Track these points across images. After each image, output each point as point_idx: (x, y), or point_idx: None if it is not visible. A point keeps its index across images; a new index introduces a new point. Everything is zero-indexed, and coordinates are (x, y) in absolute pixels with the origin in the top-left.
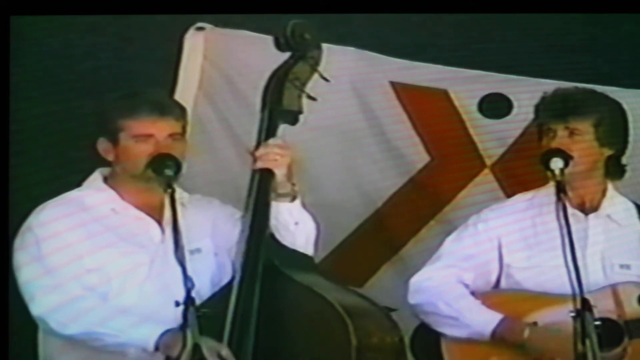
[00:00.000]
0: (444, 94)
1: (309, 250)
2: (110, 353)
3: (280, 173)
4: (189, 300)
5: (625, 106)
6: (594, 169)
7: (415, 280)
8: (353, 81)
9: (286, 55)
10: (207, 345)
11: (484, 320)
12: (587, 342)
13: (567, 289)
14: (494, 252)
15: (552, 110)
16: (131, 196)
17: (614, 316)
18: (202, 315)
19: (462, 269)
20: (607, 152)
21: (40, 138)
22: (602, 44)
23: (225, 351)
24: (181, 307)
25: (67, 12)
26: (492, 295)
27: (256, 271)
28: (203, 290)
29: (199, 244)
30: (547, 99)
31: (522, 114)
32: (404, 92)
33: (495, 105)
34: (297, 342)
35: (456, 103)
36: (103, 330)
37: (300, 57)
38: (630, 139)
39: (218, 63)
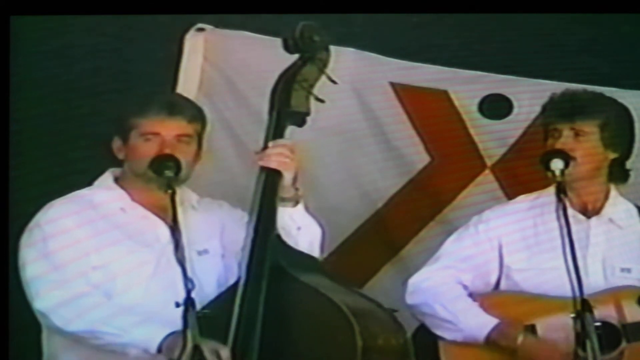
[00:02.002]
0: (444, 94)
1: (313, 254)
2: (112, 352)
3: (288, 176)
4: (189, 301)
5: (632, 111)
6: (598, 171)
7: (413, 280)
8: (353, 82)
9: (285, 56)
10: (207, 346)
11: (479, 324)
12: (588, 343)
13: (566, 291)
14: (494, 253)
15: (559, 110)
16: (140, 196)
17: (613, 319)
18: (202, 317)
19: (461, 270)
20: (612, 154)
21: (40, 138)
22: (602, 45)
23: (225, 352)
24: (181, 308)
25: (67, 12)
26: (491, 296)
27: (262, 271)
28: (209, 291)
29: (207, 245)
30: (555, 99)
31: (523, 114)
32: (404, 92)
33: (496, 106)
34: (303, 343)
35: (456, 103)
36: (106, 329)
37: (309, 59)
38: (636, 142)
39: (218, 64)
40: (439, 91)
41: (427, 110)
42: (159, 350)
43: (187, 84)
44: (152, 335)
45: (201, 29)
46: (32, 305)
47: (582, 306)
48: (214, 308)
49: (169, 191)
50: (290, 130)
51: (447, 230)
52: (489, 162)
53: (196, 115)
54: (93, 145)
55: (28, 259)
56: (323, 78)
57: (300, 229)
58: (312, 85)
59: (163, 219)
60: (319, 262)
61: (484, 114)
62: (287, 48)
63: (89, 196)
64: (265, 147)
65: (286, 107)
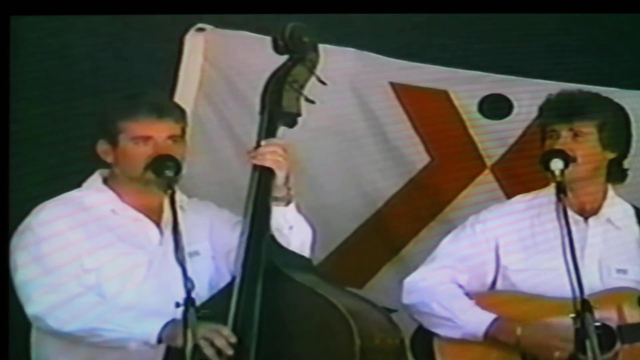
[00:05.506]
0: (444, 94)
1: (304, 254)
2: (110, 350)
3: (280, 175)
4: (189, 301)
5: (628, 110)
6: (596, 172)
7: (409, 280)
8: (353, 82)
9: (285, 57)
10: (208, 328)
11: (477, 320)
12: (587, 343)
13: (563, 292)
14: (491, 253)
15: (557, 111)
16: (130, 197)
17: (612, 321)
18: (202, 317)
19: (458, 270)
20: (610, 155)
21: (40, 138)
22: (602, 45)
23: (225, 331)
24: (181, 308)
25: (67, 12)
26: (488, 296)
27: (257, 272)
28: (201, 293)
29: (197, 247)
30: (552, 100)
31: (523, 114)
32: (404, 92)
33: (496, 106)
34: (300, 344)
35: (456, 103)
36: (104, 325)
37: (299, 59)
38: (633, 142)
39: (218, 64)
40: (439, 91)
41: (427, 110)
42: (159, 340)
43: (187, 84)
44: (152, 328)
45: (201, 29)
46: (25, 309)
47: (582, 306)
48: (211, 308)
49: (169, 191)
50: (282, 130)
51: (447, 230)
52: (488, 162)
53: (180, 114)
54: (93, 146)
55: (19, 262)
56: (313, 79)
57: (292, 229)
58: (302, 86)
59: (154, 220)
60: (312, 263)
61: (484, 114)
62: (277, 49)
63: (80, 198)
64: (258, 146)
65: (277, 108)
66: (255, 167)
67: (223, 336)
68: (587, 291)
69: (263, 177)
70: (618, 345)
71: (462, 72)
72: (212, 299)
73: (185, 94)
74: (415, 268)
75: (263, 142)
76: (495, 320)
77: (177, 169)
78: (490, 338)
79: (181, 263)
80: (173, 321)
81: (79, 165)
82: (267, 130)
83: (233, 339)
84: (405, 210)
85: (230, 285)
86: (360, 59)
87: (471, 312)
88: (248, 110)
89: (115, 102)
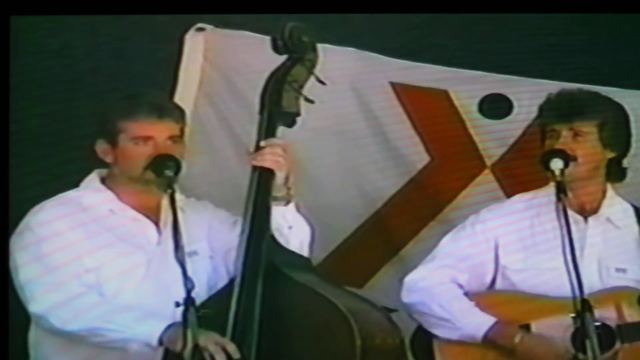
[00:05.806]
0: (444, 94)
1: (303, 254)
2: (110, 350)
3: (280, 175)
4: (189, 300)
5: (627, 109)
6: (596, 171)
7: (409, 279)
8: (353, 81)
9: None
10: (213, 339)
11: (476, 323)
12: (587, 343)
13: (563, 292)
14: (491, 253)
15: (557, 110)
16: (129, 197)
17: (612, 320)
18: (202, 316)
19: (458, 270)
20: (610, 154)
21: (40, 138)
22: (603, 45)
23: (230, 347)
24: (181, 308)
25: (67, 12)
26: (487, 296)
27: (258, 271)
28: (200, 293)
29: (196, 247)
30: (552, 99)
31: (523, 114)
32: (404, 92)
33: (496, 106)
34: (301, 343)
35: (456, 103)
36: (106, 325)
37: (298, 59)
38: (632, 141)
39: (218, 63)
40: (439, 91)
41: (427, 110)
42: (160, 342)
43: (187, 84)
44: (153, 329)
45: (201, 29)
46: (28, 308)
47: (582, 306)
48: (211, 307)
49: (169, 191)
50: (281, 130)
51: (447, 230)
52: (488, 162)
53: (180, 114)
54: (93, 146)
55: (20, 262)
56: (312, 78)
57: (292, 228)
58: (301, 86)
59: (152, 220)
60: (311, 263)
61: (484, 114)
62: (276, 49)
63: (78, 198)
64: (258, 147)
65: (277, 108)
66: (255, 167)
67: (227, 352)
68: (586, 290)
69: (263, 177)
70: (618, 345)
71: (462, 72)
72: (212, 298)
73: (185, 94)
74: (415, 268)
75: (263, 142)
76: (494, 324)
77: (177, 168)
78: (488, 341)
79: (181, 263)
80: (174, 324)
81: (79, 165)
82: (267, 130)
83: (237, 355)
84: (405, 210)
85: (230, 284)
86: (361, 59)
87: (471, 315)
88: (248, 110)
89: (115, 102)
